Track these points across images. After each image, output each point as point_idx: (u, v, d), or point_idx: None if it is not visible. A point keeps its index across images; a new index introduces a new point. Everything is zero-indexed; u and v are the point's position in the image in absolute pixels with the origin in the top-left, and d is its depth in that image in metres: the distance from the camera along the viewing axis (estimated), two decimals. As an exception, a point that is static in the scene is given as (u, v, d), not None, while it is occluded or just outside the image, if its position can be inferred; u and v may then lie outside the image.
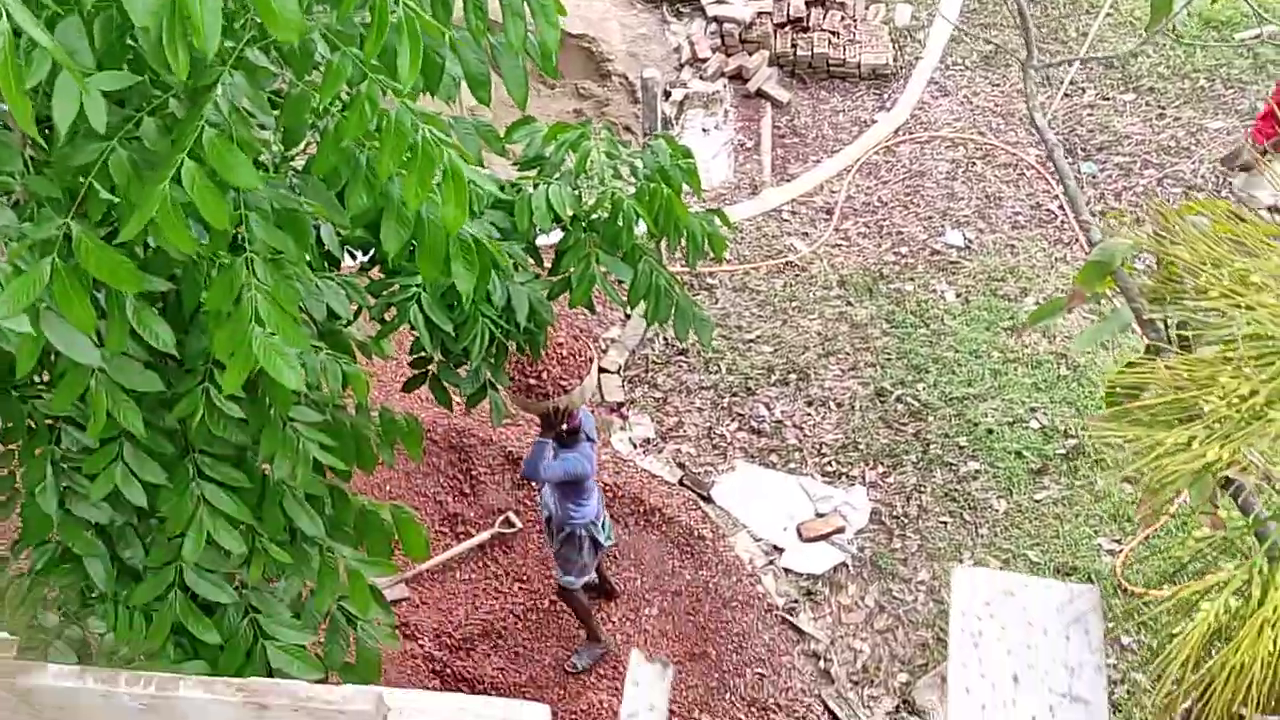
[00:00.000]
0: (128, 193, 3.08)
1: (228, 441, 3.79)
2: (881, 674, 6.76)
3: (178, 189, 2.97)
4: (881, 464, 7.60)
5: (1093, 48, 10.04)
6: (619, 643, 6.87)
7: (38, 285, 3.00)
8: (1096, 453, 7.45)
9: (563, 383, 5.59)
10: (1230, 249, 2.75)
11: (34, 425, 3.81)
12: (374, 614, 4.33)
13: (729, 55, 10.33)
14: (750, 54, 10.28)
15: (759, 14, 10.31)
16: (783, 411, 7.91)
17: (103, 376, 3.33)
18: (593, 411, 7.65)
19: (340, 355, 4.03)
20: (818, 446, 7.72)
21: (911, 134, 9.71)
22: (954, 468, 7.53)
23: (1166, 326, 3.40)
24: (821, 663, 6.78)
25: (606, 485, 7.34)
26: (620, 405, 8.02)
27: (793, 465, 7.64)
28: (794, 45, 10.21)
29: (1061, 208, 9.02)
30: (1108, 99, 9.83)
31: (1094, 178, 9.25)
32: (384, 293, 4.32)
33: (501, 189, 4.39)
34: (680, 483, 7.56)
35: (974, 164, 9.45)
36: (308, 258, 3.74)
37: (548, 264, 4.69)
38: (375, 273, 4.43)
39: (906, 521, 7.35)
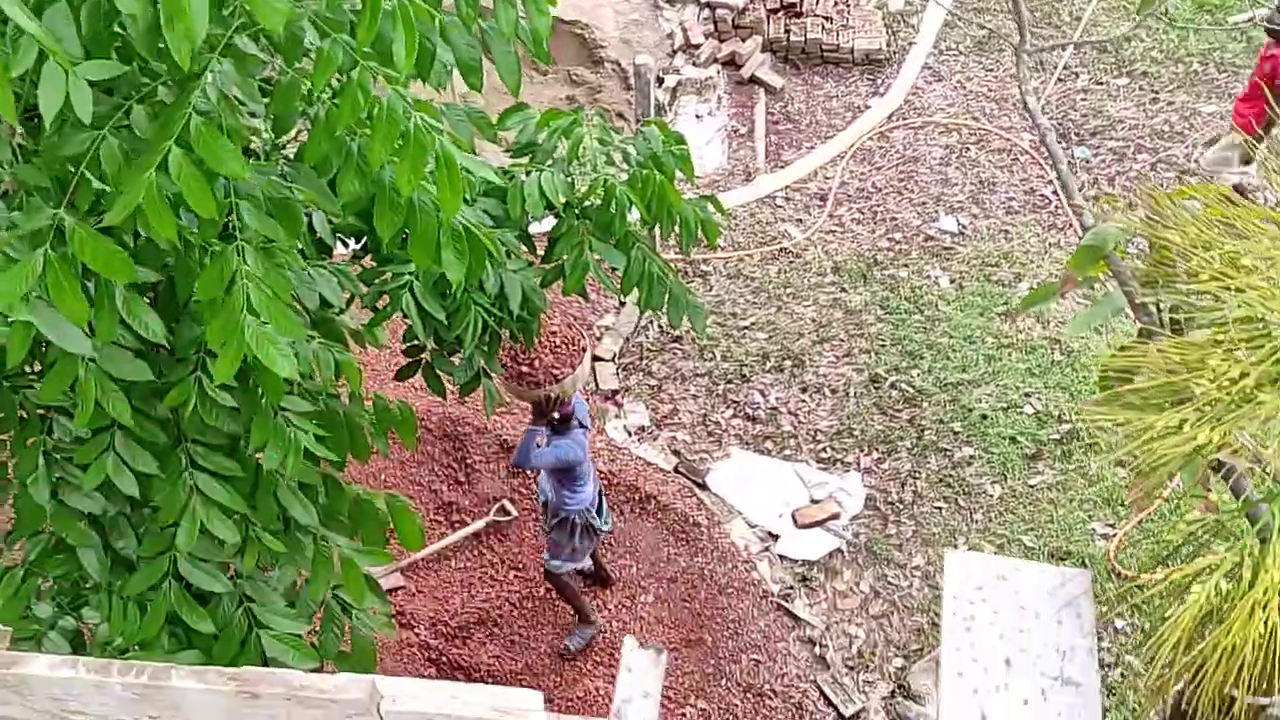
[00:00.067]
0: (118, 181, 3.07)
1: (220, 431, 3.78)
2: (877, 659, 6.77)
3: (164, 177, 2.96)
4: (876, 450, 7.61)
5: (1086, 32, 10.03)
6: (615, 630, 6.88)
7: (31, 276, 2.99)
8: (1090, 437, 7.46)
9: (555, 371, 5.59)
10: (1221, 232, 2.75)
11: (26, 415, 3.81)
12: (369, 603, 4.34)
13: (722, 41, 10.30)
14: (743, 40, 10.26)
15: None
16: (777, 398, 7.91)
17: (92, 366, 3.32)
18: (587, 399, 7.65)
19: (333, 344, 4.02)
20: (813, 433, 7.73)
21: (905, 119, 9.70)
22: (948, 453, 7.54)
23: (1159, 310, 3.40)
24: (817, 648, 6.80)
25: (602, 473, 7.34)
26: (615, 393, 8.02)
27: (788, 452, 7.65)
28: (787, 31, 10.19)
29: (1055, 192, 9.02)
30: (1101, 83, 9.82)
31: (1088, 162, 9.25)
32: (376, 281, 4.31)
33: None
34: (675, 470, 7.57)
35: (968, 149, 9.44)
36: (300, 246, 3.74)
37: (541, 251, 4.68)
38: (367, 261, 4.42)
39: (901, 507, 7.36)
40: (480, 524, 7.30)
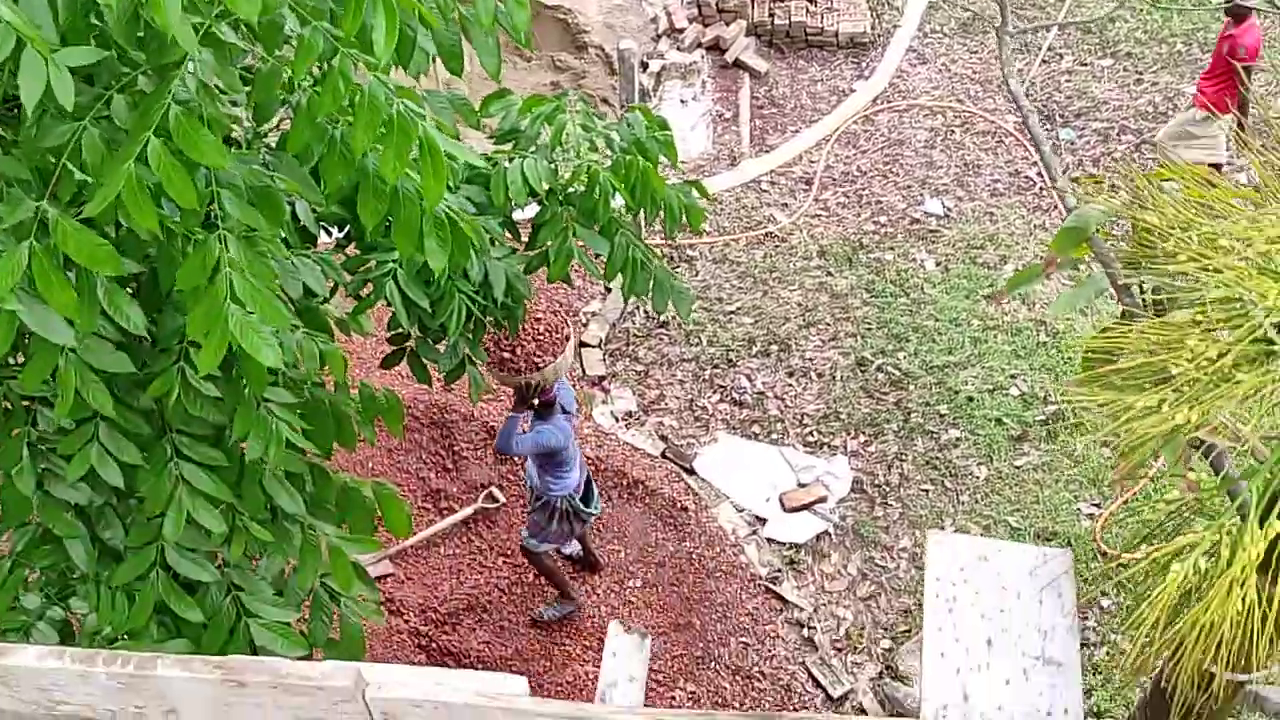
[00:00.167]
0: (100, 172, 3.06)
1: (205, 421, 3.78)
2: (865, 641, 6.81)
3: (144, 168, 2.95)
4: (863, 433, 7.64)
5: (1070, 13, 10.04)
6: (604, 615, 6.90)
7: (18, 269, 2.98)
8: (1075, 418, 7.50)
9: (536, 359, 5.59)
10: (1198, 213, 2.77)
11: (10, 406, 3.80)
12: (357, 590, 4.34)
13: (706, 25, 10.29)
14: (727, 24, 10.25)
15: (735, -17, 10.28)
16: (764, 383, 7.93)
17: (72, 357, 3.31)
18: (574, 385, 7.66)
19: (317, 333, 4.02)
20: (799, 417, 7.75)
21: (890, 103, 9.70)
22: (935, 436, 7.57)
23: (1142, 291, 3.42)
24: (805, 631, 6.83)
25: (589, 458, 7.36)
26: (602, 379, 8.03)
27: (775, 436, 7.67)
28: (771, 14, 10.18)
29: (1040, 174, 9.04)
30: (1085, 64, 9.84)
31: (1072, 144, 9.27)
32: (360, 269, 4.31)
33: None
34: (663, 455, 7.59)
35: (953, 132, 9.45)
36: (283, 235, 3.73)
37: (525, 238, 4.67)
38: (351, 249, 4.42)
39: (888, 490, 7.39)
40: (468, 511, 7.32)
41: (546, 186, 4.42)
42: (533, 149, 4.46)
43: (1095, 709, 6.37)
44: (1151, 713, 3.62)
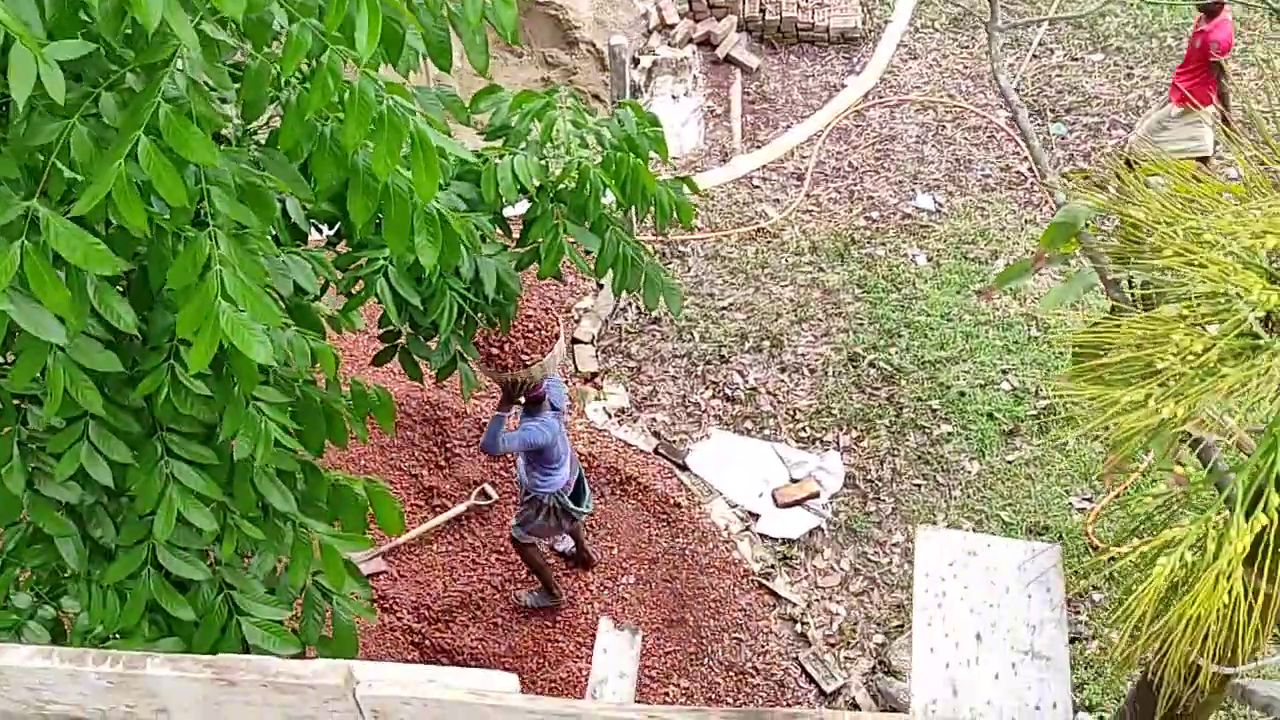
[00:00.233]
0: (89, 170, 3.06)
1: (195, 419, 3.78)
2: (858, 636, 6.83)
3: (134, 166, 2.95)
4: (855, 429, 7.65)
5: (1061, 8, 10.05)
6: (597, 611, 6.91)
7: (10, 269, 2.98)
8: (1066, 413, 7.51)
9: (524, 356, 5.60)
10: (1183, 207, 2.78)
11: (0, 405, 3.79)
12: (349, 588, 4.34)
13: (697, 21, 10.29)
14: (718, 19, 10.25)
15: (727, -21, 10.28)
16: (756, 378, 7.94)
17: (61, 355, 3.31)
18: (566, 382, 7.66)
19: (308, 331, 4.01)
20: (792, 412, 7.76)
21: (881, 98, 9.71)
22: (927, 431, 7.59)
23: (1130, 286, 3.43)
24: (798, 626, 6.84)
25: (582, 455, 7.37)
26: (594, 375, 8.03)
27: (767, 432, 7.68)
28: (762, 10, 10.18)
29: (1031, 169, 9.05)
30: (1076, 59, 9.86)
31: (1063, 139, 9.28)
32: (351, 266, 4.30)
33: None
34: (656, 451, 7.59)
35: (944, 127, 9.46)
36: (273, 232, 3.72)
37: (516, 234, 4.68)
38: (342, 246, 4.41)
39: (880, 485, 7.41)
40: (461, 508, 7.32)
41: (537, 183, 4.42)
42: (523, 145, 4.46)
43: (1088, 702, 6.40)
44: (1140, 706, 3.63)
